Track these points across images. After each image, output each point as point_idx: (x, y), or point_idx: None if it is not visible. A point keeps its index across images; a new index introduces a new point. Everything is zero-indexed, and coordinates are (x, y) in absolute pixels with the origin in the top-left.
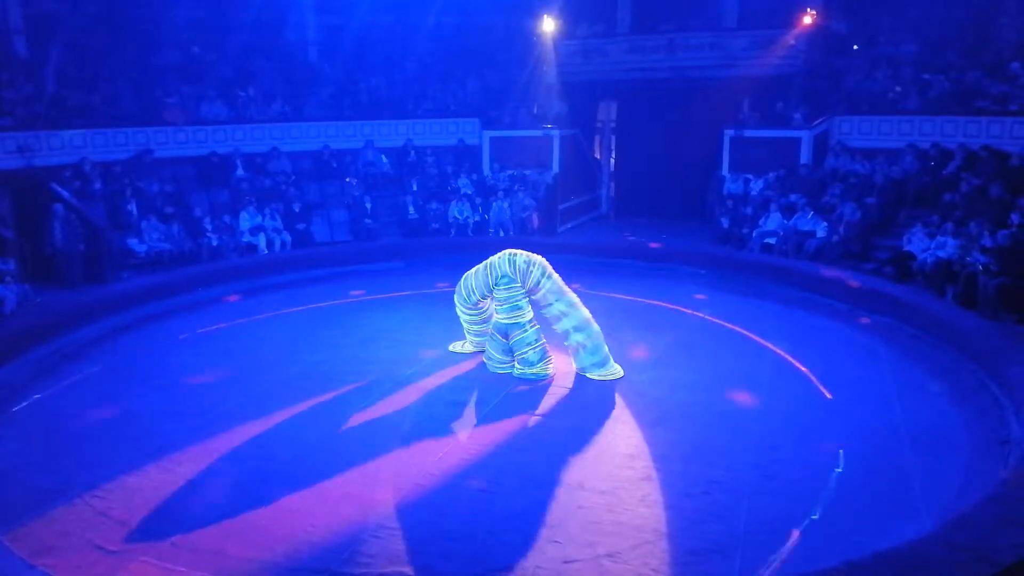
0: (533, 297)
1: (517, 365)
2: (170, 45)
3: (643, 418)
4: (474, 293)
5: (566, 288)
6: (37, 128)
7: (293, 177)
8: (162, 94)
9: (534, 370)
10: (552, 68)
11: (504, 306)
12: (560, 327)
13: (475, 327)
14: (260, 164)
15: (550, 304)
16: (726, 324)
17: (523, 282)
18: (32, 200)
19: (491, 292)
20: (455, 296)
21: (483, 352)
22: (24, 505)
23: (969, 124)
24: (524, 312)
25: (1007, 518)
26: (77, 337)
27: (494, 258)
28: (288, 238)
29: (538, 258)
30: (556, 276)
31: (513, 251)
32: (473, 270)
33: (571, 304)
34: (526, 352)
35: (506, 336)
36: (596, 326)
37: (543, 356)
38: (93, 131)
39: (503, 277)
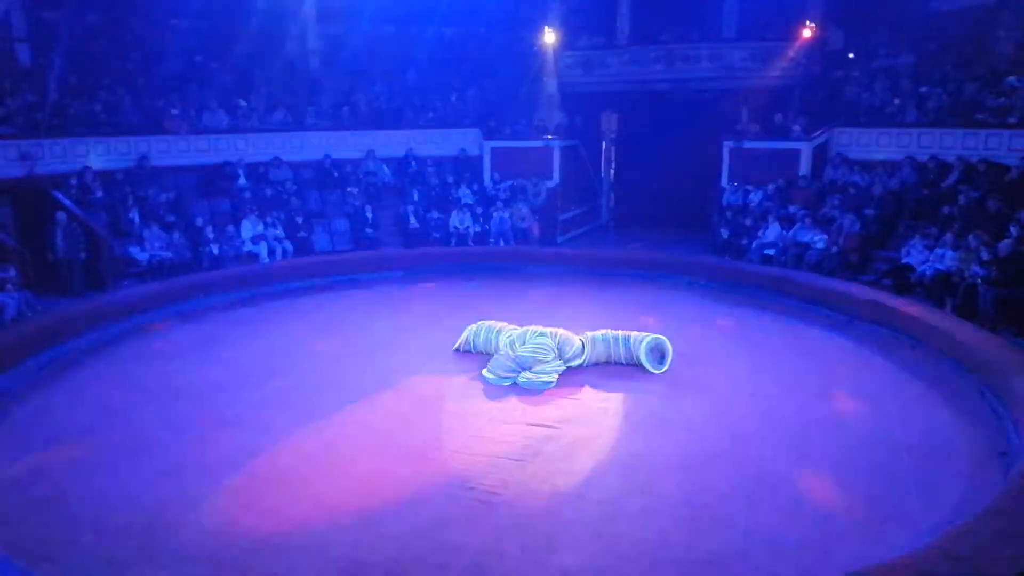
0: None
1: (527, 373)
2: (172, 54)
3: (643, 428)
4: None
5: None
6: (39, 136)
7: (295, 186)
8: (164, 103)
9: (543, 378)
10: (552, 79)
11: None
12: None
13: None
14: (262, 173)
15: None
16: (725, 335)
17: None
18: (34, 208)
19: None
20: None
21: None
22: (22, 513)
23: (967, 137)
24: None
25: (1006, 531)
26: (77, 345)
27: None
28: (290, 247)
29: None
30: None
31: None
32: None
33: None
34: (546, 368)
35: (528, 368)
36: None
37: (558, 371)
38: (95, 139)
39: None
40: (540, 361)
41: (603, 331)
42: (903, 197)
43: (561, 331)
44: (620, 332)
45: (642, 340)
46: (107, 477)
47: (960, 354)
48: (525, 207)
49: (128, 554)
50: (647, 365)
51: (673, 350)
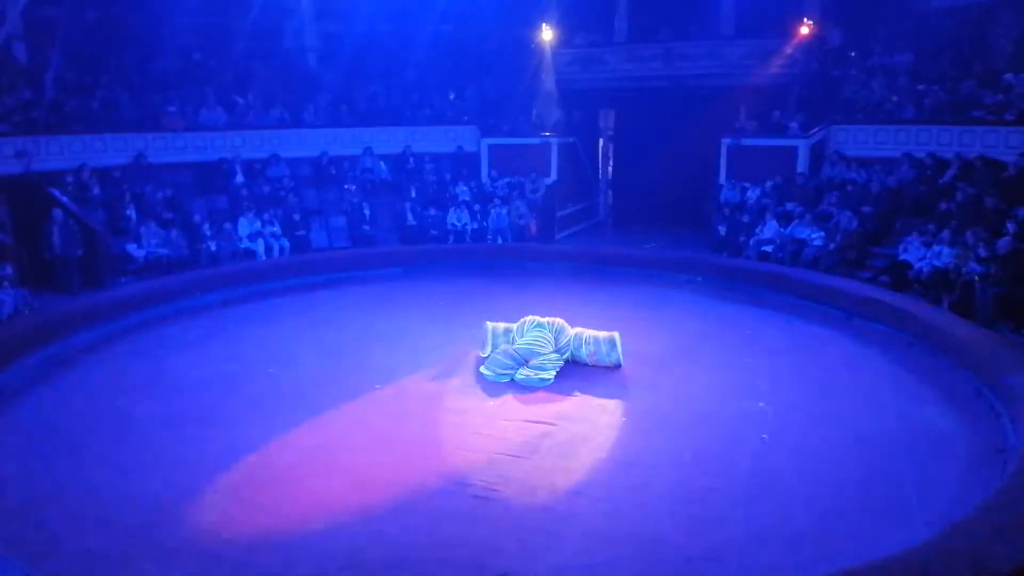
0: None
1: (524, 370)
2: (170, 52)
3: (640, 426)
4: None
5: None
6: (36, 133)
7: (292, 183)
8: (161, 100)
9: (541, 375)
10: (550, 76)
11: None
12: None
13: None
14: (259, 170)
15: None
16: (722, 331)
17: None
18: (31, 205)
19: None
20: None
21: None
22: (21, 510)
23: (964, 134)
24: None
25: (1003, 526)
26: (74, 342)
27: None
28: (287, 244)
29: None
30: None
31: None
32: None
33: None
34: (544, 363)
35: (526, 360)
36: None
37: (556, 367)
38: (92, 137)
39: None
40: (537, 353)
41: (577, 329)
42: (900, 194)
43: (559, 321)
44: (576, 331)
45: (596, 340)
46: (105, 474)
47: (957, 350)
48: (523, 204)
49: (126, 550)
50: (611, 359)
51: (665, 347)
